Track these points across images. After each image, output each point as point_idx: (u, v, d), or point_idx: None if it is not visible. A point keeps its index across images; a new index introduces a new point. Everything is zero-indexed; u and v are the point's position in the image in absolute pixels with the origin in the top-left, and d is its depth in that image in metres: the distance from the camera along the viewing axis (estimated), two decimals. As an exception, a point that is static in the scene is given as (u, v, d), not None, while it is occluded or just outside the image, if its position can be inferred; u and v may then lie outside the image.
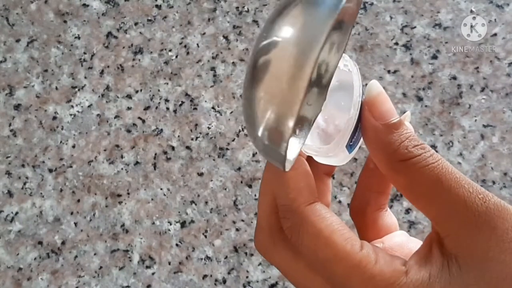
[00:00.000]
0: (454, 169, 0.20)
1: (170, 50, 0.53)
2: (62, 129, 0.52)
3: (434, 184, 0.20)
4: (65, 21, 0.54)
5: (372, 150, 0.22)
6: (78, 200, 0.50)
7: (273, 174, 0.23)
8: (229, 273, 0.49)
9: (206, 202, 0.50)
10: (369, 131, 0.22)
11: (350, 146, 0.23)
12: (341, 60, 0.23)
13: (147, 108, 0.52)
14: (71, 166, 0.51)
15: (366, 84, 0.23)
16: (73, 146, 0.51)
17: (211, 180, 0.50)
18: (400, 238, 0.26)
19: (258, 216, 0.24)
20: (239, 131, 0.51)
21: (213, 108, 0.51)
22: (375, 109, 0.22)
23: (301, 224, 0.21)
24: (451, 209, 0.20)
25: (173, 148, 0.51)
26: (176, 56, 0.52)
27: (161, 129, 0.51)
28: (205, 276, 0.49)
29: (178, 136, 0.51)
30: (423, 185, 0.20)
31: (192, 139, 0.51)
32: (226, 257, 0.49)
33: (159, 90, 0.52)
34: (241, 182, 0.50)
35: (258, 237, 0.24)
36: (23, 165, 0.51)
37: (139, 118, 0.52)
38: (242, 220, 0.49)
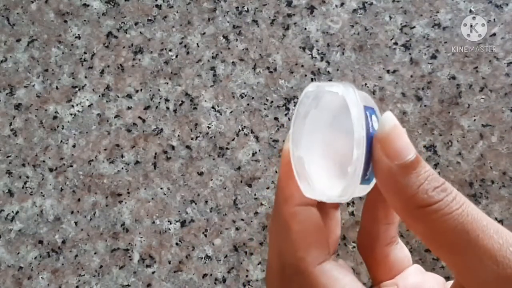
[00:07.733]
0: (481, 214, 0.18)
1: (170, 50, 0.53)
2: (62, 128, 0.52)
3: (459, 235, 0.18)
4: (65, 21, 0.54)
5: (387, 194, 0.20)
6: (79, 200, 0.51)
7: (278, 229, 0.21)
8: (229, 272, 0.49)
9: (206, 202, 0.50)
10: (383, 173, 0.19)
11: (366, 181, 0.21)
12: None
13: (147, 107, 0.52)
14: (71, 166, 0.51)
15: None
16: (74, 146, 0.52)
17: (211, 180, 0.50)
18: (415, 279, 0.24)
19: (266, 274, 0.22)
20: (239, 130, 0.51)
21: (213, 107, 0.51)
22: (388, 146, 0.19)
23: None
24: (478, 264, 0.17)
25: (173, 147, 0.51)
26: (176, 56, 0.53)
27: (161, 129, 0.51)
28: (205, 275, 0.49)
29: (178, 135, 0.51)
30: (446, 236, 0.18)
31: (192, 139, 0.51)
32: (226, 256, 0.49)
33: (159, 90, 0.52)
34: (241, 181, 0.50)
35: None
36: (23, 165, 0.51)
37: (139, 117, 0.52)
38: (242, 219, 0.50)
